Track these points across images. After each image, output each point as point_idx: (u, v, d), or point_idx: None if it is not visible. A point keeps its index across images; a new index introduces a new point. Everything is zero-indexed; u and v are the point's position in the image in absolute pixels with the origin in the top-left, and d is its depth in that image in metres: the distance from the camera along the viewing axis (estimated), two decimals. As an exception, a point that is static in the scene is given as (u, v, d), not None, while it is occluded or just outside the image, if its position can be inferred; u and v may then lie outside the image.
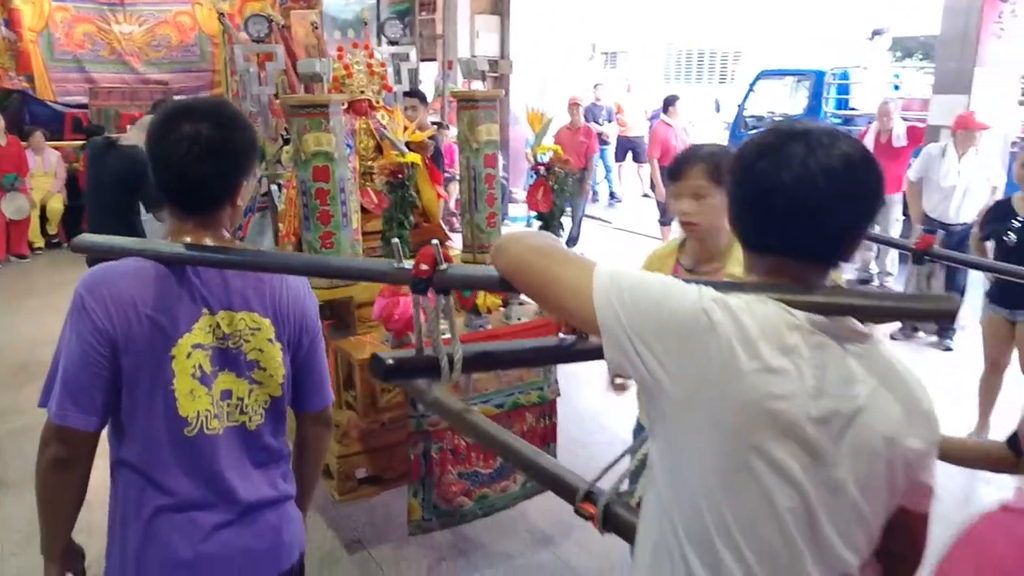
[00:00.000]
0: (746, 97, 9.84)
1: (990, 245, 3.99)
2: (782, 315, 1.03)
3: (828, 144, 1.04)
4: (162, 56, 9.99)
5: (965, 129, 5.70)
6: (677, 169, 1.95)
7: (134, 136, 4.60)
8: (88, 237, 1.60)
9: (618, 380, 2.12)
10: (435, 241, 1.21)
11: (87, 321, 1.35)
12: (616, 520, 1.54)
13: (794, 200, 1.04)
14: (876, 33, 9.56)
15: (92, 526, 1.64)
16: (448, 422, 2.38)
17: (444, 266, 1.22)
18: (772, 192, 1.06)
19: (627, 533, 1.45)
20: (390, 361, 1.21)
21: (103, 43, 9.78)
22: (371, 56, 3.19)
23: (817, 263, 1.09)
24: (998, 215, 3.92)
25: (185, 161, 1.39)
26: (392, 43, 3.36)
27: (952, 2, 6.37)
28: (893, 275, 7.20)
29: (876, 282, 7.19)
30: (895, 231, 7.14)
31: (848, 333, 1.07)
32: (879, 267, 7.26)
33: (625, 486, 1.52)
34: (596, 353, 1.19)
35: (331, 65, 2.80)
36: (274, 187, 3.37)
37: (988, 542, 0.96)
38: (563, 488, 1.86)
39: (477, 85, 3.04)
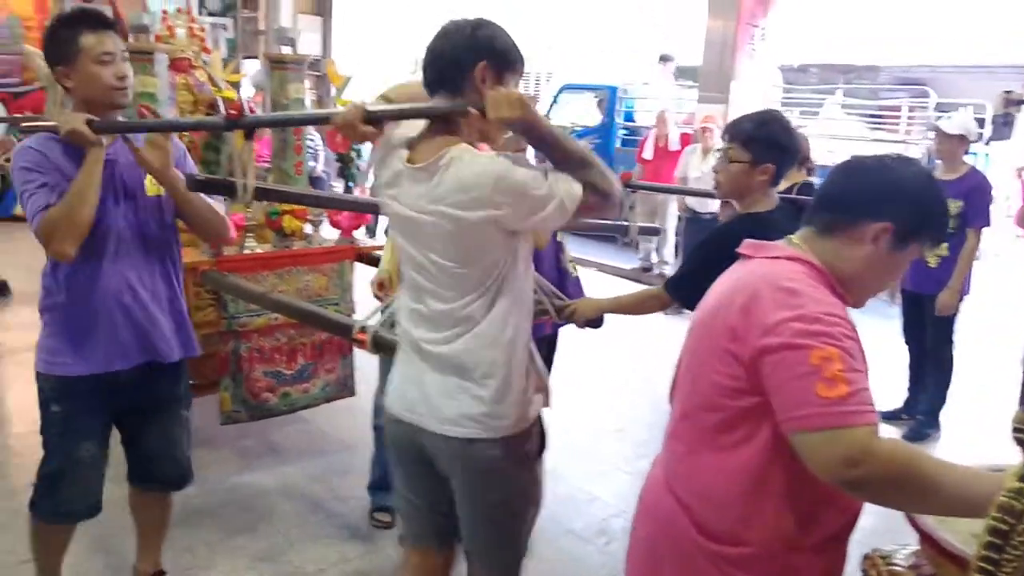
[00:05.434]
0: (550, 108, 10.89)
1: None
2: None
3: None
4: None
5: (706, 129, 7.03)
6: None
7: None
8: None
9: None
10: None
11: None
12: (381, 342, 2.17)
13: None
14: (664, 59, 10.85)
15: None
16: (256, 303, 2.89)
17: (249, 114, 1.77)
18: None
19: (389, 351, 2.03)
20: (200, 177, 1.75)
21: None
22: (192, 21, 3.63)
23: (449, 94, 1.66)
24: None
25: None
26: (212, 15, 3.81)
27: (711, 34, 7.71)
28: (669, 264, 8.36)
29: (656, 271, 8.30)
30: (671, 224, 8.33)
31: None
32: (659, 256, 8.39)
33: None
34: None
35: (157, 19, 3.23)
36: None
37: None
38: (343, 328, 2.47)
39: (288, 51, 3.56)
